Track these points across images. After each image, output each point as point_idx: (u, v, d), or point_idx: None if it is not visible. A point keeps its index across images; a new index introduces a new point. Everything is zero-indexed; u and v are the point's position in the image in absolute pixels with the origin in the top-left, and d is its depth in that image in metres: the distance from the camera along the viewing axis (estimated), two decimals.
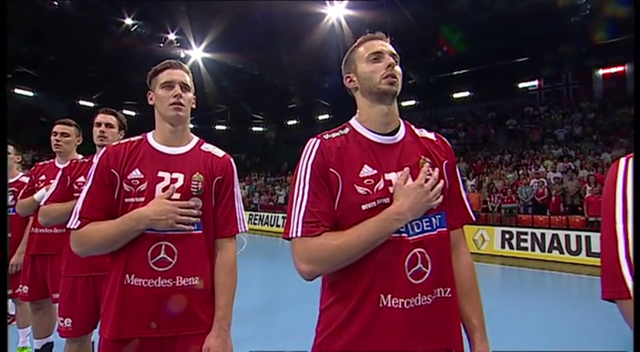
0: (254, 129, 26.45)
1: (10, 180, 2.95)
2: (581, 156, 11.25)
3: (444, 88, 17.90)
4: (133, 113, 18.41)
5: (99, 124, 2.04)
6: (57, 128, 2.47)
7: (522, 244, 8.32)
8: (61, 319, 1.88)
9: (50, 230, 2.37)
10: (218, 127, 25.13)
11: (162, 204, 1.15)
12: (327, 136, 1.01)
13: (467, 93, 18.04)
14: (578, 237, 7.23)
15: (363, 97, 1.04)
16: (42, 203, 1.96)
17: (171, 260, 1.17)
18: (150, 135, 1.32)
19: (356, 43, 1.07)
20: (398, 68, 1.01)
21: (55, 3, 10.96)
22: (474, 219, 1.07)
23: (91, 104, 20.13)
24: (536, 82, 16.79)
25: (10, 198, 2.84)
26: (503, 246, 8.60)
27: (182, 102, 1.26)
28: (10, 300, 3.18)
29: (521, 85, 16.89)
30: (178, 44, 13.98)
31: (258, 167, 21.96)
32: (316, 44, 12.98)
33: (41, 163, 2.61)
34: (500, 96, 16.90)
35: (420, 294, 0.88)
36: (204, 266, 1.23)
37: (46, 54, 14.62)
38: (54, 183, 2.00)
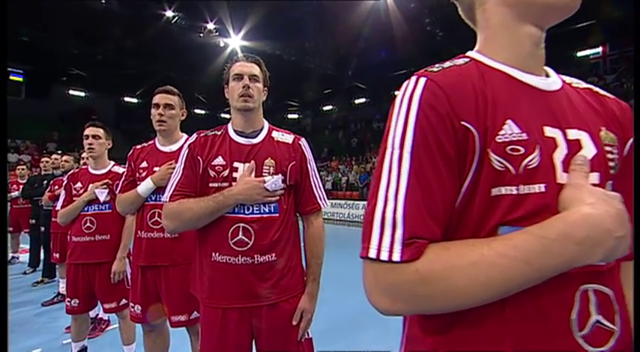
0: (289, 116, 26.37)
1: (102, 171, 2.51)
2: None
3: None
4: None
5: (246, 85, 1.41)
6: (158, 98, 1.94)
7: None
8: None
9: (160, 234, 1.85)
10: None
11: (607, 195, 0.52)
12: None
13: None
14: None
15: None
16: (165, 198, 1.38)
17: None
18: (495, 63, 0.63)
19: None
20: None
21: (103, 1, 11.21)
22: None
23: (135, 100, 20.94)
24: (599, 49, 15.08)
25: (105, 192, 2.42)
26: None
27: None
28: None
29: (580, 54, 15.24)
30: (217, 33, 13.95)
31: None
32: (357, 25, 12.40)
33: (139, 146, 2.06)
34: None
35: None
36: None
37: (95, 54, 15.18)
38: (177, 168, 1.42)
